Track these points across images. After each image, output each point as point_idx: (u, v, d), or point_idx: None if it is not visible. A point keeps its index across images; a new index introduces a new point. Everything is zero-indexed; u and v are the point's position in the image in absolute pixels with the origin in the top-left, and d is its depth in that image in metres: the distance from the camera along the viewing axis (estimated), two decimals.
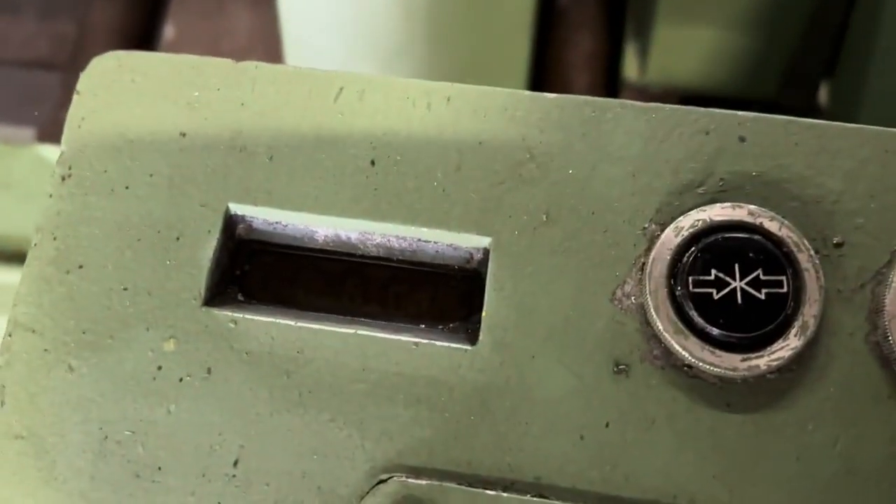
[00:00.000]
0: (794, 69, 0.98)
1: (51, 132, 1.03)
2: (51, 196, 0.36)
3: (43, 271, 0.35)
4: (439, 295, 0.36)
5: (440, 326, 0.35)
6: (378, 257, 0.36)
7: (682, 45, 0.98)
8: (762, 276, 0.31)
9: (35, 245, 0.35)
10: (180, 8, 1.15)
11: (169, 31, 1.13)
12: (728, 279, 0.32)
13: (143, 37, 1.13)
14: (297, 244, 0.36)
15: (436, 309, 0.36)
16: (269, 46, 1.06)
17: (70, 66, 1.19)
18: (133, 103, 0.37)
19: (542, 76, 1.03)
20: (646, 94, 1.01)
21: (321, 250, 0.36)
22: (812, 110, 0.99)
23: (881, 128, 0.34)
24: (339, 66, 0.91)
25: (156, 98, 0.37)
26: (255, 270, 0.37)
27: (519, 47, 0.98)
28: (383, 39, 0.95)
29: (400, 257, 0.36)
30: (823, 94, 0.99)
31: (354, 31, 0.95)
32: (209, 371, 0.33)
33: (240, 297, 0.36)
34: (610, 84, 1.03)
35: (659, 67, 1.00)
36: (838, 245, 0.33)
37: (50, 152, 1.04)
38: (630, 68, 1.02)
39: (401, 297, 0.36)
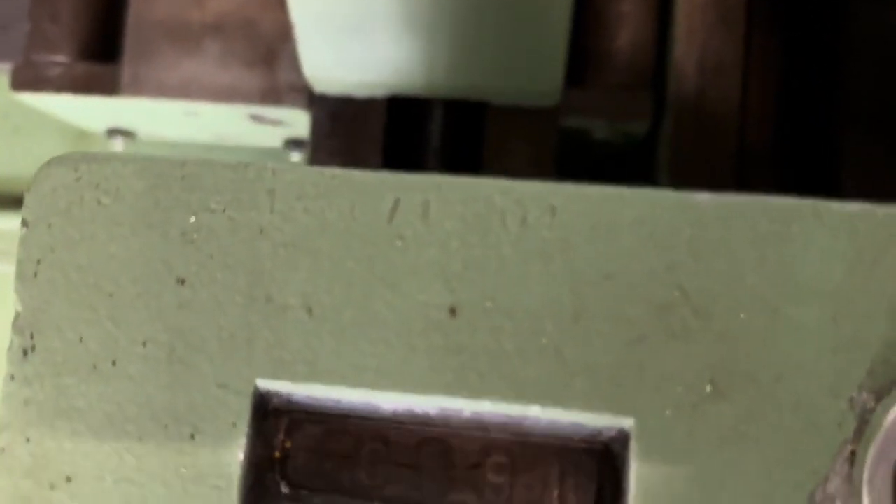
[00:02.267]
0: None
1: (25, 78, 0.91)
2: (12, 378, 0.26)
3: (18, 487, 0.26)
4: (553, 474, 0.27)
5: None
6: (467, 428, 0.26)
7: None
8: None
9: (2, 451, 0.26)
10: None
11: None
12: None
13: None
14: (355, 415, 0.27)
15: (549, 495, 0.26)
16: None
17: None
18: (104, 237, 0.26)
19: None
20: None
21: (389, 420, 0.27)
22: None
23: None
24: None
25: (136, 227, 0.26)
26: (300, 449, 0.27)
27: None
28: None
29: (498, 431, 0.26)
30: None
31: None
32: None
33: (283, 489, 0.27)
34: None
35: None
36: None
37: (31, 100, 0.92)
38: None
39: (500, 477, 0.27)
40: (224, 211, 0.26)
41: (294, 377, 0.25)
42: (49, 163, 0.26)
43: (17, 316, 0.26)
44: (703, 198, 0.24)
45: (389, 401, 0.26)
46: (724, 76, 0.83)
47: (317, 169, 0.25)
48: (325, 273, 0.25)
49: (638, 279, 0.24)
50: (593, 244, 0.25)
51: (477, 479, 0.27)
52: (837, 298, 0.24)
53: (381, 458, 0.27)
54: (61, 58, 0.89)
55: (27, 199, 0.26)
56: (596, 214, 0.25)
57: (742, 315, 0.24)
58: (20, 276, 0.26)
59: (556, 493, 0.26)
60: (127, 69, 0.87)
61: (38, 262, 0.26)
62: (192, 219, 0.26)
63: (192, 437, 0.25)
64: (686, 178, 0.80)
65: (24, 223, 0.26)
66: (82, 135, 1.04)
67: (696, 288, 0.24)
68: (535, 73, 0.80)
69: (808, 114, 0.82)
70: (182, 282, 0.26)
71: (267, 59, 0.87)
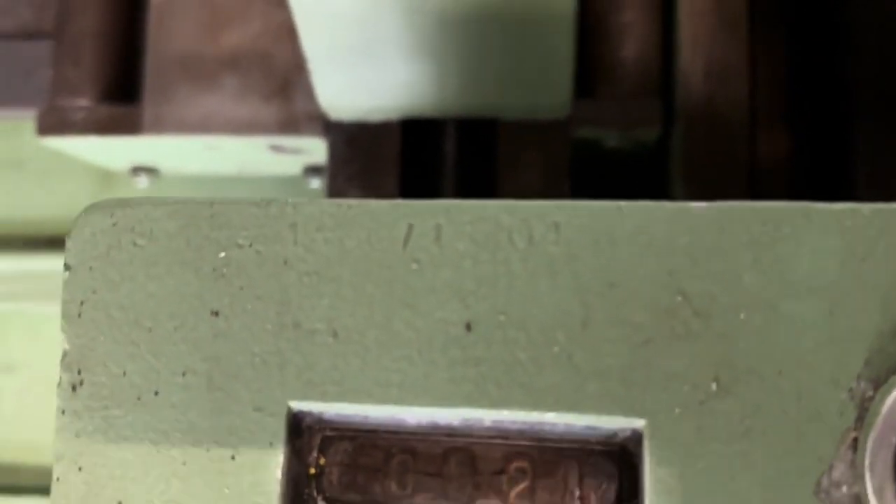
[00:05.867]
0: None
1: (50, 123, 0.94)
2: (63, 412, 0.28)
3: None
4: (573, 476, 0.28)
5: None
6: (489, 436, 0.28)
7: None
8: None
9: (57, 480, 0.28)
10: None
11: None
12: None
13: None
14: (383, 429, 0.28)
15: (570, 496, 0.28)
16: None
17: (58, 32, 1.08)
18: (142, 276, 0.28)
19: None
20: None
21: (415, 433, 0.28)
22: None
23: None
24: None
25: (171, 266, 0.28)
26: (334, 464, 0.29)
27: None
28: None
29: (518, 438, 0.28)
30: None
31: None
32: None
33: (320, 503, 0.28)
34: None
35: None
36: None
37: (57, 143, 0.96)
38: None
39: (523, 481, 0.28)
40: (251, 246, 0.27)
41: (324, 397, 0.27)
42: (87, 210, 0.28)
43: (65, 354, 0.28)
44: (698, 206, 0.26)
45: (414, 414, 0.27)
46: (730, 80, 0.84)
47: (334, 201, 0.27)
48: (347, 298, 0.27)
49: (640, 286, 0.26)
50: (597, 256, 0.26)
51: (501, 485, 0.28)
52: (832, 293, 0.25)
53: (410, 468, 0.29)
54: (84, 101, 0.92)
55: (68, 244, 0.28)
56: (597, 228, 0.26)
57: (741, 314, 0.25)
58: (66, 317, 0.28)
59: (577, 494, 0.27)
60: (148, 109, 0.89)
61: (82, 303, 0.28)
62: (222, 254, 0.27)
63: (233, 458, 0.27)
64: (699, 182, 0.81)
65: (67, 267, 0.28)
66: (107, 174, 1.07)
67: (696, 291, 0.26)
68: (544, 87, 0.82)
69: (817, 111, 0.83)
70: (216, 314, 0.27)
71: (283, 91, 0.90)
